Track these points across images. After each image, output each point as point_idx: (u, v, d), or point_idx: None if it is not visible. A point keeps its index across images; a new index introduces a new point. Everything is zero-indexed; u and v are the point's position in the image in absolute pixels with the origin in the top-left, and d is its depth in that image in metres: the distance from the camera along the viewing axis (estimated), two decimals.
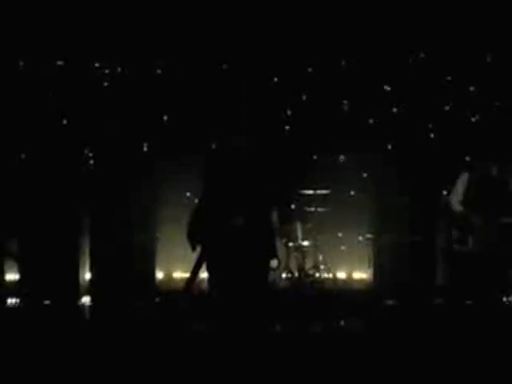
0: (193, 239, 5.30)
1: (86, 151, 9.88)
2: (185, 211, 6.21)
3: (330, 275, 9.97)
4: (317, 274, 9.75)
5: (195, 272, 5.38)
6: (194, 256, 5.53)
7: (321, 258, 9.95)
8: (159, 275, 10.48)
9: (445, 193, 9.16)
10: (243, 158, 5.37)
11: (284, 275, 9.50)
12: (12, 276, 9.48)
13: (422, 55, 9.61)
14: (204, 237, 5.29)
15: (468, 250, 6.73)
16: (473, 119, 9.67)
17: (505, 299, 6.98)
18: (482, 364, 6.07)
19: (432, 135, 9.78)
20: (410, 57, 9.65)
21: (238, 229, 5.21)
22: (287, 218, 9.45)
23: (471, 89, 9.67)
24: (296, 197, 9.83)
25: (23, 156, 9.66)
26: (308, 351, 7.03)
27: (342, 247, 10.41)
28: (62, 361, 6.42)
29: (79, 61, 9.68)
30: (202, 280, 5.61)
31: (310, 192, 9.92)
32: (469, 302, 6.94)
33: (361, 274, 10.42)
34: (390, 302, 9.43)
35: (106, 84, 9.84)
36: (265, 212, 5.35)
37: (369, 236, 10.26)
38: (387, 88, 9.75)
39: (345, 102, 9.90)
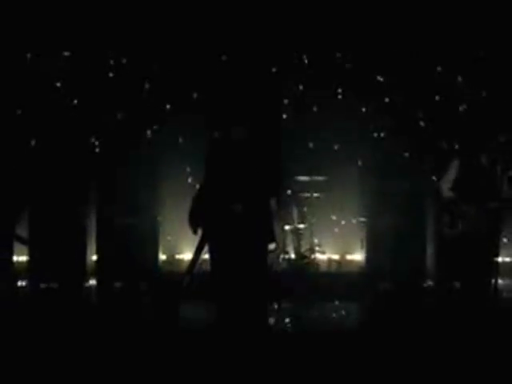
0: (193, 225, 5.44)
1: (92, 139, 10.02)
2: (186, 197, 6.27)
3: (325, 257, 10.20)
4: (312, 256, 9.96)
5: (197, 254, 5.54)
6: (195, 238, 5.62)
7: (316, 240, 10.18)
8: (162, 257, 10.60)
9: (434, 179, 9.25)
10: (242, 148, 5.44)
11: (281, 257, 9.66)
12: (20, 257, 9.54)
13: (413, 47, 9.67)
14: (205, 222, 5.40)
15: (458, 234, 6.90)
16: (461, 108, 9.78)
17: (493, 281, 7.04)
18: (470, 346, 6.18)
19: (423, 124, 9.88)
20: (401, 48, 9.72)
21: (238, 215, 5.31)
22: (284, 202, 9.57)
23: (459, 79, 9.82)
24: (292, 183, 10.01)
25: (33, 143, 9.81)
26: (302, 334, 7.25)
27: (336, 230, 10.53)
28: (67, 344, 6.48)
29: (84, 51, 9.76)
30: (205, 261, 5.69)
31: (306, 178, 10.16)
32: (458, 285, 7.15)
33: (354, 256, 10.57)
34: (382, 284, 9.68)
35: (110, 74, 9.95)
36: (263, 199, 5.45)
37: (362, 219, 10.39)
38: (380, 78, 9.90)
39: (339, 90, 10.05)
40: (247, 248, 5.38)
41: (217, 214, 5.38)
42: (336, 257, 10.52)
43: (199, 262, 5.65)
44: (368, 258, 10.19)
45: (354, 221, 10.56)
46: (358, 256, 10.53)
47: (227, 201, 5.36)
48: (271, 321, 7.57)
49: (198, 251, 5.51)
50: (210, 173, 5.49)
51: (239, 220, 5.33)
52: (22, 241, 7.36)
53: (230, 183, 5.37)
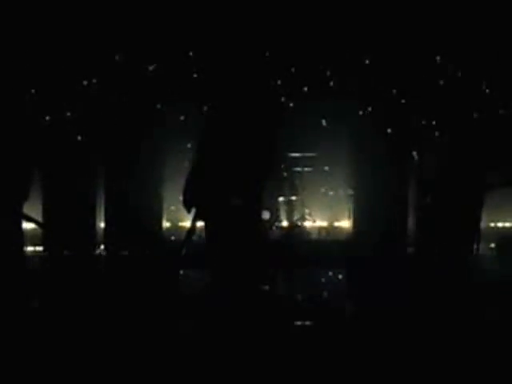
0: (187, 206, 5.48)
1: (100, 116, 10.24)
2: (187, 171, 6.04)
3: (315, 225, 10.72)
4: (304, 224, 10.55)
5: (193, 225, 5.58)
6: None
7: (307, 210, 10.73)
8: (166, 224, 11.07)
9: (414, 153, 9.70)
10: (236, 134, 5.38)
11: (275, 225, 10.21)
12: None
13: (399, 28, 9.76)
14: (197, 204, 5.46)
15: (438, 204, 7.33)
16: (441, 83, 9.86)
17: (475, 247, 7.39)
18: (451, 310, 6.30)
19: (405, 100, 10.06)
20: (386, 29, 9.80)
21: (237, 207, 5.33)
22: (278, 176, 10.17)
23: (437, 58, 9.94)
24: (285, 159, 10.38)
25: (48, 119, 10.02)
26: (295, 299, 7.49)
27: (325, 201, 10.98)
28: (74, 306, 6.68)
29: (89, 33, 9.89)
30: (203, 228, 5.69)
31: (298, 154, 10.52)
32: (437, 251, 7.46)
33: (342, 225, 11.00)
34: (367, 249, 9.89)
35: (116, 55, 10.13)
36: (256, 180, 5.42)
37: (349, 191, 10.79)
38: (366, 61, 10.10)
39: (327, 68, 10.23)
40: (241, 223, 5.37)
41: (209, 196, 5.43)
42: (325, 225, 11.00)
43: (197, 229, 5.64)
44: (354, 226, 10.57)
45: (341, 192, 11.02)
46: (345, 224, 10.97)
47: (221, 185, 5.39)
48: (266, 287, 7.63)
49: (194, 222, 5.56)
50: (202, 158, 5.46)
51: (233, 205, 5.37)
52: (35, 222, 7.34)
53: (223, 168, 5.39)
